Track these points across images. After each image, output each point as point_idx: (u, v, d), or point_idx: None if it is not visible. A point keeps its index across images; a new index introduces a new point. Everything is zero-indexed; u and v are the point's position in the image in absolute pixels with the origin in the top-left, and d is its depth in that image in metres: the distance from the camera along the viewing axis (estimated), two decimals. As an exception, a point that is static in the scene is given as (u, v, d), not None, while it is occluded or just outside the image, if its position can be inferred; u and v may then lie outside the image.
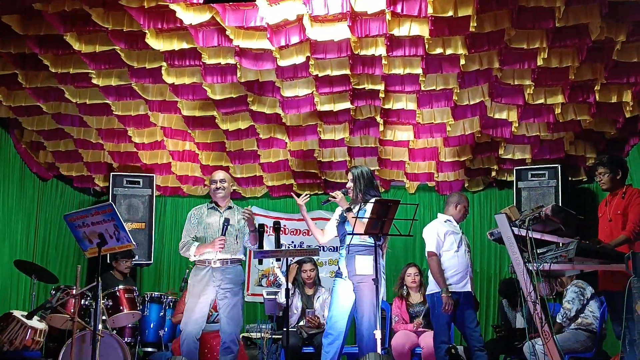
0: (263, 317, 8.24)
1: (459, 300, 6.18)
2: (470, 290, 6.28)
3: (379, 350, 5.23)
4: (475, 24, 5.94)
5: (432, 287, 6.28)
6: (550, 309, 6.25)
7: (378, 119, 7.59)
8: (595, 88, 6.71)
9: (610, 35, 6.03)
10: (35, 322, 6.16)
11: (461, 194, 6.85)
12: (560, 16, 5.80)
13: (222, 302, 5.93)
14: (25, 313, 6.19)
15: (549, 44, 6.19)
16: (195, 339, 5.86)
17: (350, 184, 5.92)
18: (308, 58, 6.55)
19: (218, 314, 6.15)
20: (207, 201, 6.28)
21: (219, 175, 6.21)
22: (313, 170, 8.64)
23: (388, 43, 6.32)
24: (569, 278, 6.61)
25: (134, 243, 5.48)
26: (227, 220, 5.91)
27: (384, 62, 6.59)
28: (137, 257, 8.05)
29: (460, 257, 6.25)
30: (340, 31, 6.26)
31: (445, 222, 6.41)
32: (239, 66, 6.73)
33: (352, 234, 5.48)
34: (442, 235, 6.31)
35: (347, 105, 7.33)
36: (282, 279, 7.09)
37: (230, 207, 6.17)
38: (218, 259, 5.90)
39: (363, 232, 5.47)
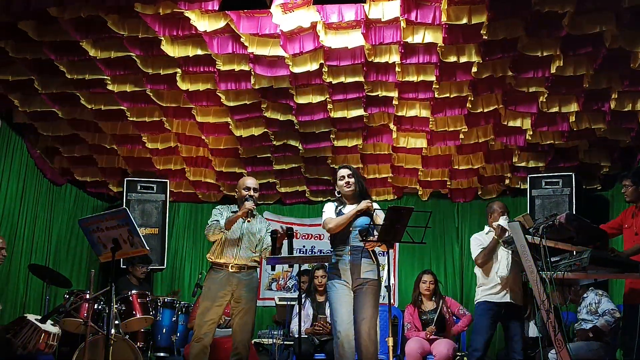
0: (270, 322, 8.25)
1: (501, 311, 6.15)
2: (510, 301, 6.15)
3: (390, 357, 5.19)
4: (489, 32, 5.93)
5: (477, 297, 6.32)
6: (564, 317, 6.20)
7: (391, 126, 7.59)
8: (613, 96, 6.66)
9: (626, 43, 6.00)
10: (48, 326, 6.16)
11: (495, 202, 6.54)
12: (568, 23, 5.77)
13: (236, 308, 5.83)
14: (39, 317, 6.20)
15: (563, 51, 6.17)
16: (206, 346, 5.70)
17: (352, 180, 5.59)
18: (322, 65, 6.57)
19: (230, 319, 6.07)
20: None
21: (251, 182, 5.98)
22: (326, 177, 8.65)
23: (402, 50, 6.33)
24: (584, 287, 6.56)
25: (148, 248, 5.47)
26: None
27: (397, 69, 6.59)
28: (153, 263, 8.08)
29: (500, 269, 6.16)
30: (354, 38, 6.27)
31: (487, 233, 6.36)
32: (253, 73, 6.75)
33: (365, 240, 5.38)
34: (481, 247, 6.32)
35: (360, 112, 7.34)
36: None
37: (254, 215, 5.99)
38: (235, 264, 5.82)
39: (377, 240, 5.35)
